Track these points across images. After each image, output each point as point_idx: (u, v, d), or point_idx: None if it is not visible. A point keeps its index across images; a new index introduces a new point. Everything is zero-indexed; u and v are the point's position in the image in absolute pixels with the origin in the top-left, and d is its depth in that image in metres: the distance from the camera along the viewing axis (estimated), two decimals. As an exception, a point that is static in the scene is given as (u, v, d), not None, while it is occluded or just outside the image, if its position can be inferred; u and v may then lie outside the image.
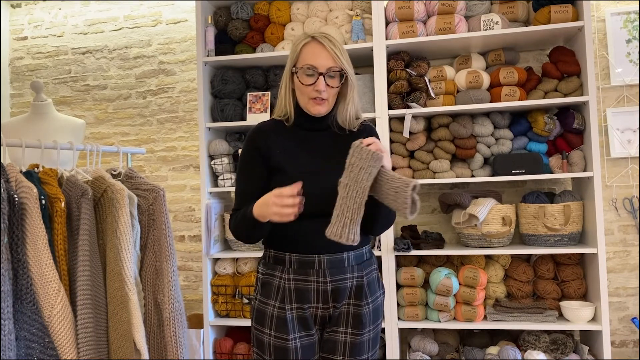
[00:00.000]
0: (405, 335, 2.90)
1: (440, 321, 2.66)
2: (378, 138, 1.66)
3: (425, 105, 2.73)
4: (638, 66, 2.85)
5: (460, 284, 2.65)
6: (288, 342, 1.53)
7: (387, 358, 2.66)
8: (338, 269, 1.55)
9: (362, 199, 1.37)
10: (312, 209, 1.46)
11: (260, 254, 2.79)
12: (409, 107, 2.70)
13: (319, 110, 1.56)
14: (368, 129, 1.64)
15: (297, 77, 1.55)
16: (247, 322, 2.80)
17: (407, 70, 2.74)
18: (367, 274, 1.60)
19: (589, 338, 2.67)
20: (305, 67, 1.53)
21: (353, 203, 1.37)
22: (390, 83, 2.74)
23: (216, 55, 2.93)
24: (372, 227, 1.56)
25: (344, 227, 1.37)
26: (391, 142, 2.76)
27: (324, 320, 1.58)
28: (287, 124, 1.62)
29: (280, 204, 1.38)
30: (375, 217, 1.52)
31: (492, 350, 2.61)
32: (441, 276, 2.61)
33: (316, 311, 1.57)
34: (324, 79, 1.52)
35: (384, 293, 1.67)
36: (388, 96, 2.71)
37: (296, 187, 1.38)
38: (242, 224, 1.55)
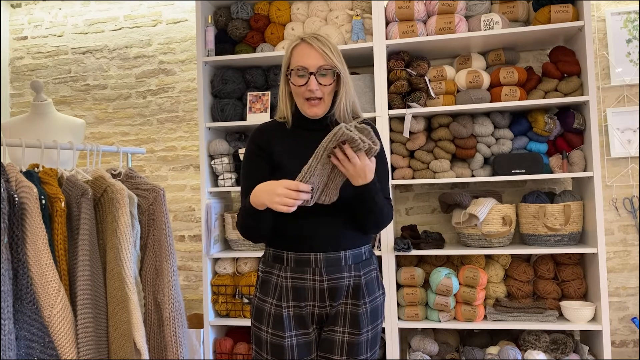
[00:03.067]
0: (406, 335, 2.90)
1: (440, 321, 2.66)
2: (379, 137, 1.66)
3: (425, 105, 2.73)
4: (638, 66, 2.85)
5: (460, 284, 2.65)
6: (284, 339, 1.54)
7: (387, 358, 2.66)
8: (334, 268, 1.55)
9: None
10: (310, 208, 1.47)
11: (260, 254, 2.79)
12: (409, 107, 2.70)
13: (315, 112, 1.57)
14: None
15: (290, 80, 1.57)
16: (247, 322, 2.80)
17: (407, 70, 2.74)
18: (366, 274, 1.60)
19: (589, 338, 2.68)
20: (296, 69, 1.55)
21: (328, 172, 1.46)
22: (390, 83, 2.74)
23: (216, 55, 2.92)
24: (364, 224, 1.56)
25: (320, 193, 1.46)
26: (391, 142, 2.76)
27: (321, 318, 1.58)
28: (287, 126, 1.64)
29: (284, 194, 1.40)
30: (364, 212, 1.52)
31: (492, 350, 2.61)
32: (441, 276, 2.61)
33: (313, 309, 1.57)
34: (315, 78, 1.53)
35: (384, 294, 1.67)
36: (388, 96, 2.71)
37: (304, 186, 1.41)
38: (244, 218, 1.56)
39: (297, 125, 1.63)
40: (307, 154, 1.45)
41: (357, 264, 1.58)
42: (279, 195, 1.40)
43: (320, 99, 1.56)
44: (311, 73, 1.53)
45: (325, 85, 1.55)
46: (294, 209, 1.41)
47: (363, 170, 1.43)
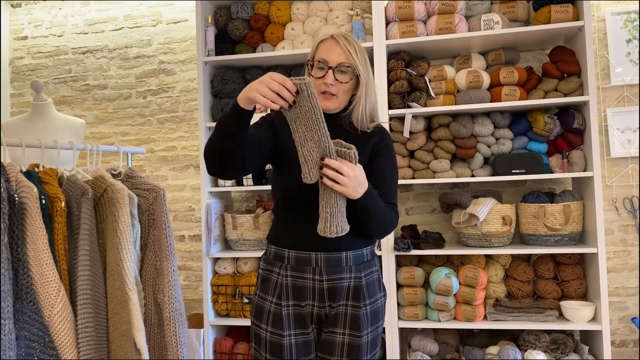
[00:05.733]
0: (405, 335, 2.90)
1: (440, 321, 2.66)
2: (391, 142, 1.66)
3: (425, 105, 2.73)
4: (638, 66, 2.85)
5: (460, 284, 2.65)
6: (283, 338, 1.53)
7: (387, 358, 2.66)
8: (335, 268, 1.54)
9: (334, 193, 1.42)
10: (313, 208, 1.46)
11: (260, 254, 2.79)
12: (409, 106, 2.70)
13: (327, 105, 1.56)
14: (380, 132, 1.64)
15: (310, 71, 1.59)
16: (247, 322, 2.80)
17: (407, 70, 2.74)
18: (367, 275, 1.59)
19: (589, 338, 2.68)
20: (317, 61, 1.56)
21: (329, 198, 1.41)
22: (390, 83, 2.74)
23: (216, 55, 2.93)
24: (365, 228, 1.53)
25: (325, 222, 1.41)
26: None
27: (321, 319, 1.58)
28: None
29: (267, 83, 1.32)
30: (365, 217, 1.50)
31: (492, 350, 2.61)
32: (441, 276, 2.61)
33: (312, 309, 1.56)
34: (333, 73, 1.54)
35: (385, 295, 1.65)
36: (388, 96, 2.71)
37: (290, 84, 1.34)
38: (217, 127, 1.42)
39: None
40: None
41: (358, 265, 1.58)
42: (260, 82, 1.34)
43: (334, 95, 1.56)
44: (330, 67, 1.54)
45: (342, 82, 1.55)
46: (274, 105, 1.33)
47: (356, 178, 1.40)
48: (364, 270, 1.59)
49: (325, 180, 1.39)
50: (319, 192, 1.43)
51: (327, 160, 1.38)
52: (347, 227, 1.44)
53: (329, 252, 1.54)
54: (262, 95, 1.33)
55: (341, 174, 1.38)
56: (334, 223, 1.42)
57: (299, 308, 1.56)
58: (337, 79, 1.54)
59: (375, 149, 1.60)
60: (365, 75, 1.58)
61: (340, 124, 1.61)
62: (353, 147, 1.41)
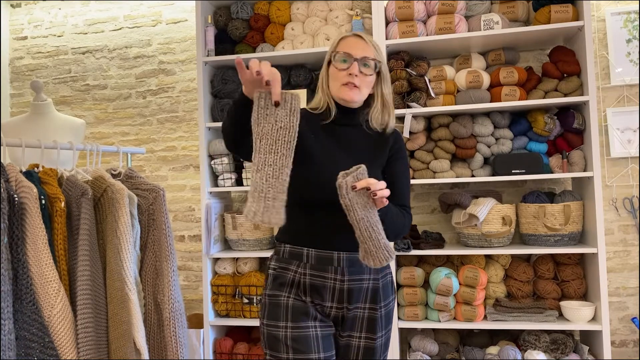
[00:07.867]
0: (405, 335, 2.90)
1: (440, 321, 2.66)
2: (405, 145, 1.67)
3: (425, 105, 2.73)
4: (638, 66, 2.85)
5: (460, 284, 2.65)
6: (308, 329, 1.49)
7: (387, 358, 2.65)
8: (357, 269, 1.52)
9: (372, 220, 1.34)
10: (336, 207, 1.45)
11: (261, 254, 2.79)
12: (409, 106, 2.70)
13: (351, 96, 1.54)
14: (395, 135, 1.64)
15: (333, 64, 1.57)
16: (247, 322, 2.80)
17: (407, 70, 2.74)
18: (383, 277, 1.59)
19: (589, 338, 2.68)
20: (341, 53, 1.55)
21: (369, 223, 1.34)
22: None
23: (216, 55, 2.93)
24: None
25: (378, 250, 1.33)
26: (391, 142, 2.76)
27: (337, 320, 1.56)
28: (323, 120, 1.60)
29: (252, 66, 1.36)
30: (383, 220, 1.49)
31: (492, 350, 2.61)
32: (441, 276, 2.61)
33: (330, 310, 1.54)
34: (358, 65, 1.54)
35: (395, 298, 1.65)
36: (388, 96, 2.71)
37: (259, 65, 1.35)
38: (227, 113, 1.49)
39: (331, 118, 1.60)
40: (333, 146, 1.40)
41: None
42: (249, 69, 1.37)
43: (358, 87, 1.55)
44: (355, 59, 1.54)
45: (365, 74, 1.55)
46: (259, 68, 1.35)
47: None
48: (380, 272, 1.58)
49: (382, 200, 1.32)
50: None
51: (358, 184, 1.30)
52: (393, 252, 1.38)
53: (351, 252, 1.51)
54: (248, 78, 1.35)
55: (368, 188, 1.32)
56: (388, 246, 1.33)
57: (321, 307, 1.53)
58: (361, 71, 1.54)
59: (392, 152, 1.60)
60: (386, 71, 1.60)
61: (358, 123, 1.60)
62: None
